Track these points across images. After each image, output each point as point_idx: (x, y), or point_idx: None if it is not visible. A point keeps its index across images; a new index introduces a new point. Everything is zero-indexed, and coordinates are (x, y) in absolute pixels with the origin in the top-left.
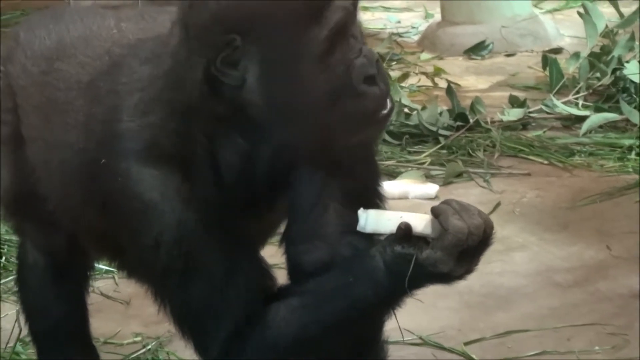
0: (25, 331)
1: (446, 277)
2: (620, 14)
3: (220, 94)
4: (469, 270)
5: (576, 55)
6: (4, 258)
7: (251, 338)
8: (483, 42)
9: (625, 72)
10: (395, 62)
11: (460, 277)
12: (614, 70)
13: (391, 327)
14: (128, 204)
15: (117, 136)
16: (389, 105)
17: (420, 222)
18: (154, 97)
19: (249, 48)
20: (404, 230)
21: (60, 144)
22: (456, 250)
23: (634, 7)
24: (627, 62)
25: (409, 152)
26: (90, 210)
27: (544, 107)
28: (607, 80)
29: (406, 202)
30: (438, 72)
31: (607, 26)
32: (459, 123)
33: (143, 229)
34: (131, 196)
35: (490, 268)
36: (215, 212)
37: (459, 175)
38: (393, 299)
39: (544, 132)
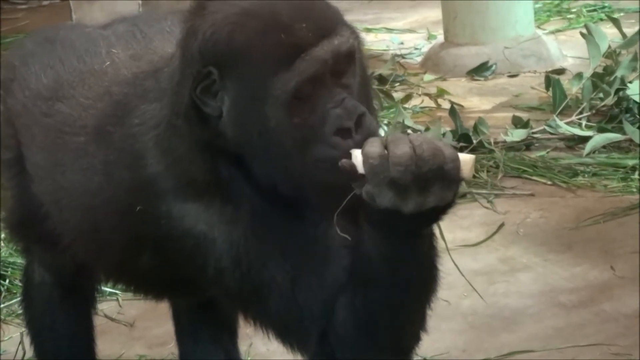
0: (28, 354)
1: (400, 215)
2: (623, 35)
3: (204, 121)
4: (423, 205)
5: (579, 75)
6: (7, 281)
7: (340, 323)
8: (486, 63)
9: (628, 92)
10: (398, 84)
11: (419, 214)
12: (617, 91)
13: None
14: (180, 243)
15: (148, 182)
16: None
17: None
18: (169, 132)
19: (225, 82)
20: (346, 171)
21: (78, 189)
22: (378, 178)
23: (637, 28)
24: (630, 82)
25: None
26: (123, 248)
27: (547, 128)
28: (610, 100)
29: None
30: (441, 93)
31: (610, 47)
32: (462, 144)
33: (202, 262)
34: (180, 236)
35: (495, 289)
36: (264, 221)
37: (463, 196)
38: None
39: (548, 152)
